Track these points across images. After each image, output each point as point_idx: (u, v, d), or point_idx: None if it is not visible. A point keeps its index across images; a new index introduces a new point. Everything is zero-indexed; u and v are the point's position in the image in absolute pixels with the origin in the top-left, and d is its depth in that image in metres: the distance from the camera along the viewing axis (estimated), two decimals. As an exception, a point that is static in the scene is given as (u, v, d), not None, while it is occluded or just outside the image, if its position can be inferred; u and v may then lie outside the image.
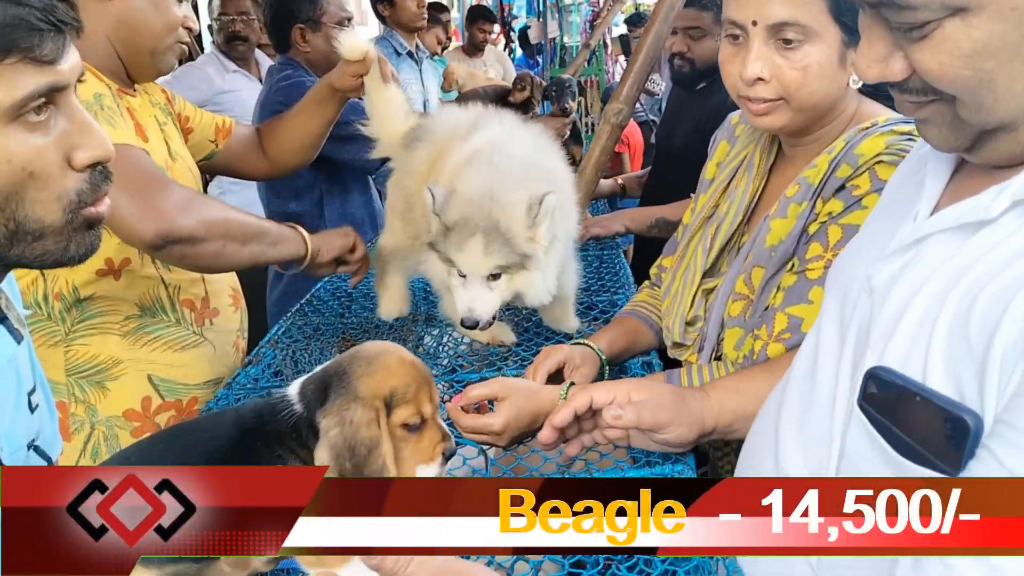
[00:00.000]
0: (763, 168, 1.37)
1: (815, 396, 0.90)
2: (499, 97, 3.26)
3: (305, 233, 1.68)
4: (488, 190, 1.39)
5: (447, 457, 0.90)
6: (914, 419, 0.71)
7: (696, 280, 1.38)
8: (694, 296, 1.37)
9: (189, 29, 1.68)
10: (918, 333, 0.73)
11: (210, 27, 4.18)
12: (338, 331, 1.84)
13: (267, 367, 1.64)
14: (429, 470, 0.89)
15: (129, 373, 1.60)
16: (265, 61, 3.77)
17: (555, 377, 1.37)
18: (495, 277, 1.41)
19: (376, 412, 0.84)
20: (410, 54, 3.71)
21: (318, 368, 0.91)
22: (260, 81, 3.64)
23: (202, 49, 5.04)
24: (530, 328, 1.76)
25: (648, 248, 2.48)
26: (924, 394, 0.70)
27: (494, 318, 1.46)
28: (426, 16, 3.72)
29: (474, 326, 1.43)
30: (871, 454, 0.77)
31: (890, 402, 0.74)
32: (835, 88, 1.23)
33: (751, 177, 1.38)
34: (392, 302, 1.87)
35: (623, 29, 8.73)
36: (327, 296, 2.09)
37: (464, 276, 1.41)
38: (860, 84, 1.23)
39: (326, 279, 2.15)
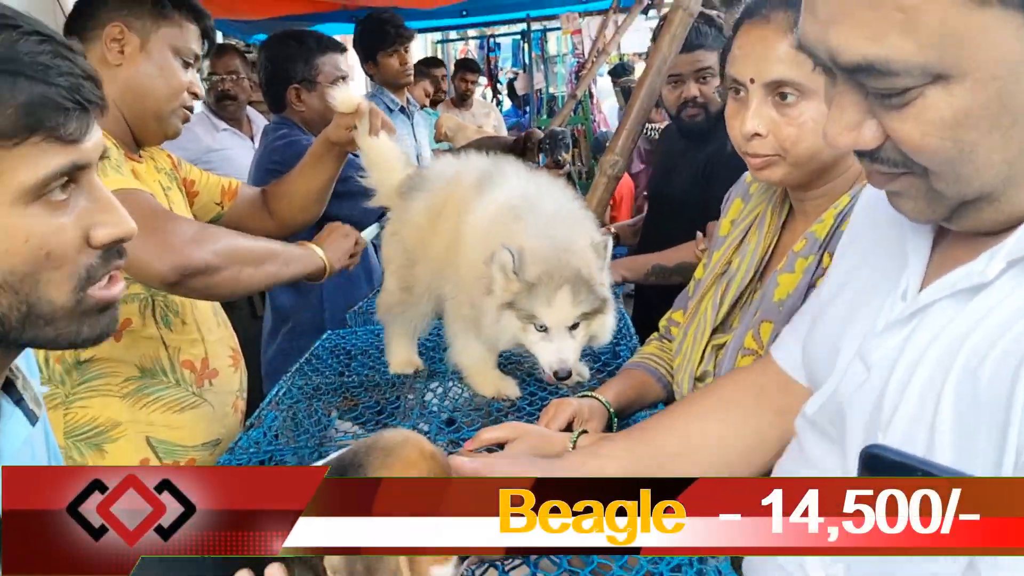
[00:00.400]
0: (775, 225, 1.38)
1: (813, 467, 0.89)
2: (498, 149, 3.30)
3: (316, 247, 1.73)
4: (560, 242, 1.42)
5: (462, 558, 0.83)
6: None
7: (706, 336, 1.37)
8: (703, 352, 1.37)
9: (195, 95, 1.72)
10: (922, 406, 0.72)
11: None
12: (339, 390, 1.81)
13: (268, 429, 1.61)
14: (444, 571, 0.81)
15: (128, 435, 1.59)
16: (257, 118, 3.81)
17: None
18: (575, 326, 1.44)
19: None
20: (402, 109, 3.75)
21: (333, 455, 0.87)
22: (252, 139, 3.67)
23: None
24: (531, 382, 1.74)
25: (648, 296, 2.48)
26: (927, 468, 0.68)
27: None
28: (411, 72, 3.76)
29: (568, 376, 1.44)
30: None
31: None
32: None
33: (762, 233, 1.38)
34: (399, 356, 1.85)
35: (607, 80, 8.91)
36: (325, 355, 2.06)
37: (545, 330, 1.43)
38: None
39: (324, 337, 2.13)
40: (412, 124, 3.83)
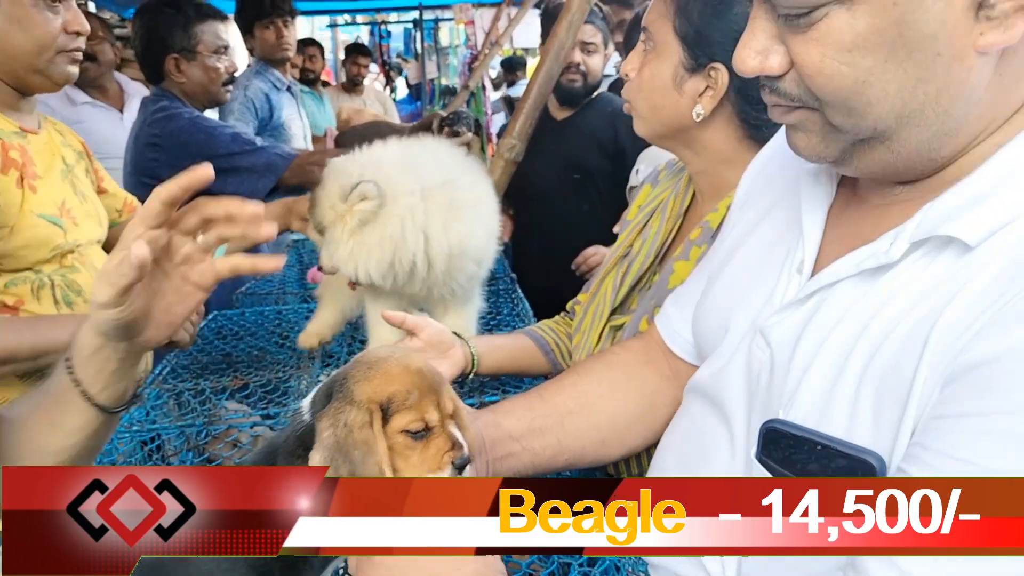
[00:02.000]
0: (676, 211, 1.40)
1: (710, 449, 0.89)
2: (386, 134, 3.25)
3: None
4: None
5: (458, 467, 0.85)
6: (815, 468, 0.72)
7: (605, 316, 1.39)
8: (601, 332, 1.38)
9: (76, 32, 1.60)
10: (825, 383, 0.73)
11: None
12: (227, 370, 1.74)
13: (151, 408, 1.53)
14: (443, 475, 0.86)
15: None
16: (131, 87, 3.59)
17: None
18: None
19: (370, 415, 0.82)
20: (288, 88, 3.65)
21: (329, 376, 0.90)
22: (121, 111, 3.46)
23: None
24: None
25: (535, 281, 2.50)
26: (825, 441, 0.71)
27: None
28: (289, 48, 3.66)
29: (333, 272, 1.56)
30: None
31: (789, 454, 0.74)
32: (669, 106, 1.26)
33: (664, 218, 1.41)
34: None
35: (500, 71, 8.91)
36: (211, 335, 1.98)
37: None
38: (701, 118, 1.25)
39: (210, 317, 2.05)
40: (298, 103, 3.74)
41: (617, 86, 3.03)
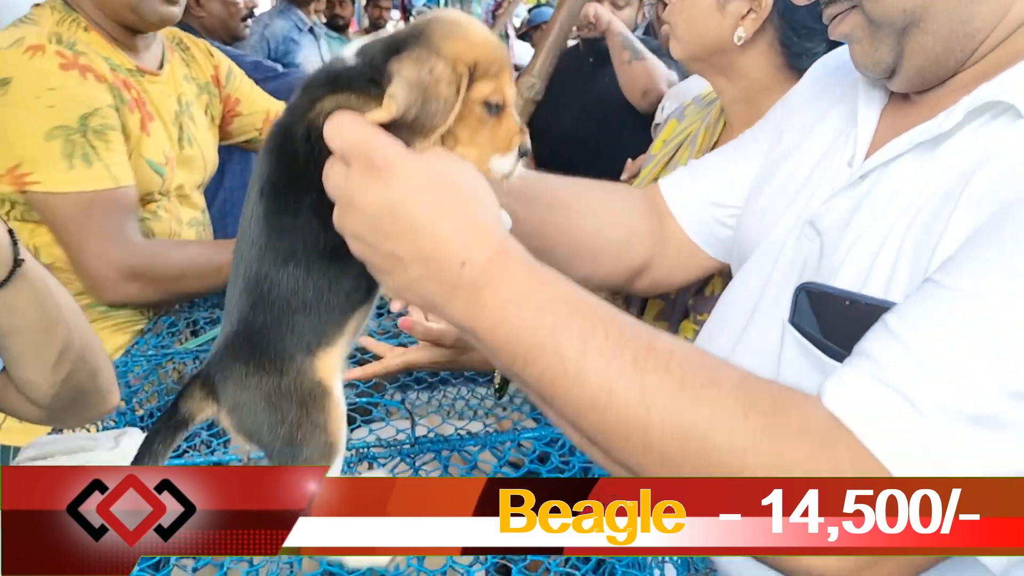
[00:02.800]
0: (706, 143, 1.39)
1: (747, 336, 0.90)
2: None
3: None
4: None
5: (522, 153, 0.76)
6: (844, 325, 0.72)
7: None
8: None
9: None
10: (870, 252, 0.74)
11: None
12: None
13: (168, 335, 1.54)
14: (504, 162, 0.75)
15: None
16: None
17: None
18: None
19: (459, 77, 0.70)
20: (311, 29, 3.62)
21: (383, 34, 0.75)
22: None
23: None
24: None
25: None
26: (852, 297, 0.72)
27: None
28: None
29: None
30: (808, 369, 0.77)
31: (819, 313, 0.75)
32: (710, 27, 1.25)
33: (693, 150, 1.39)
34: None
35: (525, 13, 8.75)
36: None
37: None
38: (742, 41, 1.24)
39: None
40: (319, 46, 3.71)
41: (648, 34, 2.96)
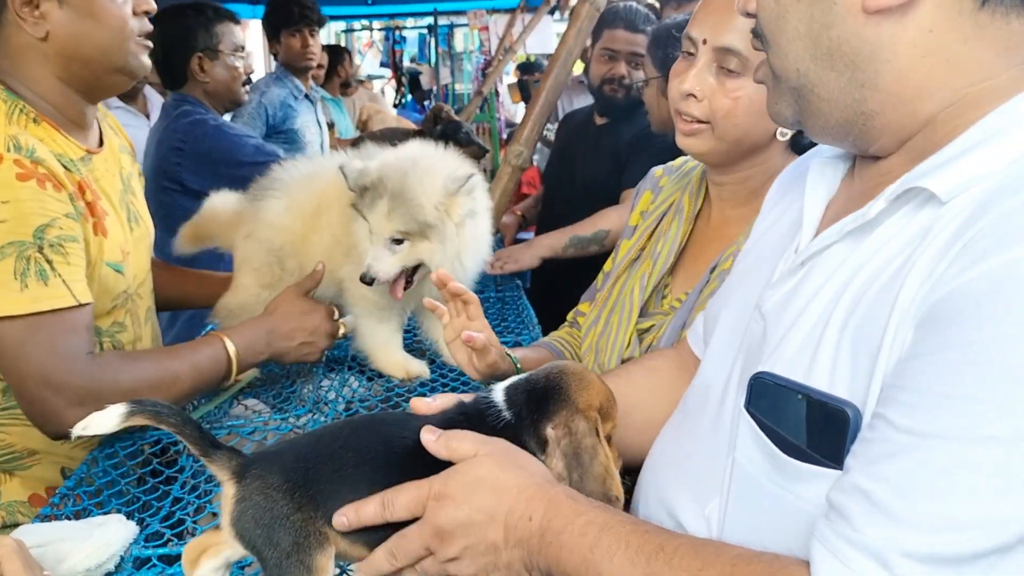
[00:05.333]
0: (691, 213, 1.41)
1: (706, 417, 0.93)
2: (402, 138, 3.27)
3: (227, 340, 1.48)
4: (401, 164, 1.46)
5: (621, 473, 0.95)
6: (796, 417, 0.75)
7: (633, 319, 1.39)
8: (630, 336, 1.38)
9: (145, 12, 1.45)
10: (808, 339, 0.76)
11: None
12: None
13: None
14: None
15: (42, 464, 1.45)
16: (153, 96, 3.64)
17: None
18: (399, 242, 1.48)
19: (595, 423, 0.90)
20: (307, 96, 3.69)
21: (519, 377, 0.97)
22: (148, 118, 3.51)
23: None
24: (434, 372, 1.72)
25: (543, 279, 2.48)
26: (804, 391, 0.74)
27: (394, 280, 1.52)
28: (313, 57, 3.70)
29: (371, 282, 1.48)
30: (760, 458, 0.79)
31: (773, 404, 0.78)
32: (761, 129, 1.26)
33: (681, 220, 1.41)
34: None
35: (513, 78, 8.89)
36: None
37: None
38: (788, 137, 1.26)
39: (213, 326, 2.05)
40: (316, 111, 3.77)
41: None
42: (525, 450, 0.90)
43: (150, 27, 1.48)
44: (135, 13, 1.43)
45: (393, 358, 1.67)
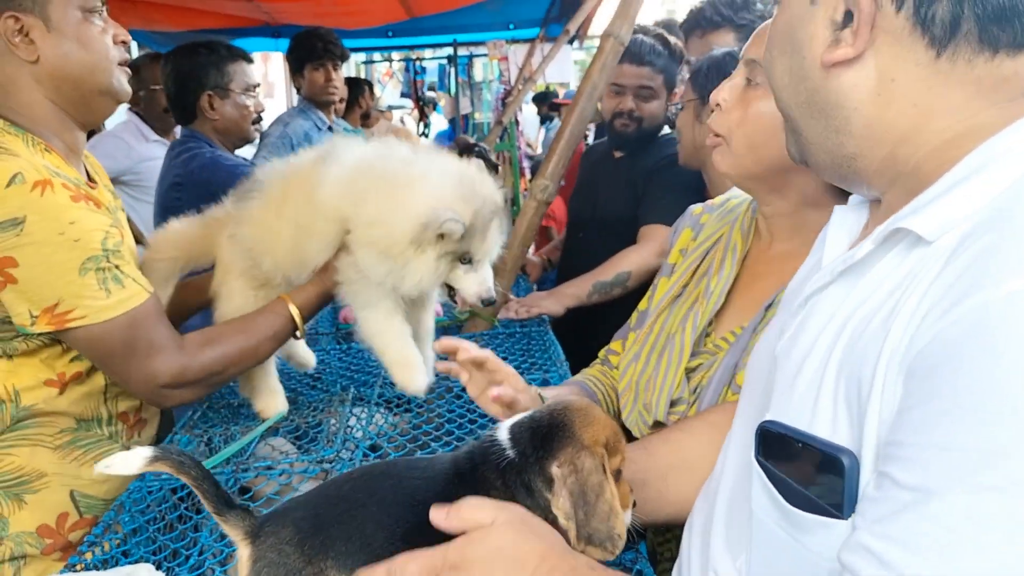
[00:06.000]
0: (742, 252, 1.38)
1: (729, 468, 0.93)
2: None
3: (289, 304, 1.59)
4: (469, 180, 1.46)
5: (634, 506, 0.95)
6: (799, 467, 0.74)
7: (684, 358, 1.35)
8: (680, 376, 1.35)
9: (124, 43, 1.55)
10: (810, 385, 0.76)
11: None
12: (257, 414, 1.73)
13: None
14: (627, 516, 0.92)
15: (51, 487, 1.47)
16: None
17: None
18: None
19: (601, 459, 0.88)
20: (330, 128, 3.71)
21: (524, 415, 0.95)
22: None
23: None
24: (452, 403, 1.70)
25: (565, 319, 2.48)
26: (803, 439, 0.73)
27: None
28: (336, 90, 3.73)
29: (493, 301, 1.51)
30: (771, 509, 0.78)
31: (779, 454, 0.77)
32: (774, 146, 1.19)
33: (735, 257, 1.38)
34: (271, 396, 1.74)
35: (534, 108, 8.93)
36: (244, 376, 1.98)
37: (470, 262, 1.48)
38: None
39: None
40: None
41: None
42: (531, 489, 0.88)
43: (127, 55, 1.57)
44: (114, 42, 1.53)
45: (404, 354, 1.56)
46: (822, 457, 0.71)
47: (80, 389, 1.50)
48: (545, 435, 0.90)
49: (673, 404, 1.35)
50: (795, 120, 0.86)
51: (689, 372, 1.35)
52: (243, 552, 0.86)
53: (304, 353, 1.91)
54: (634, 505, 0.94)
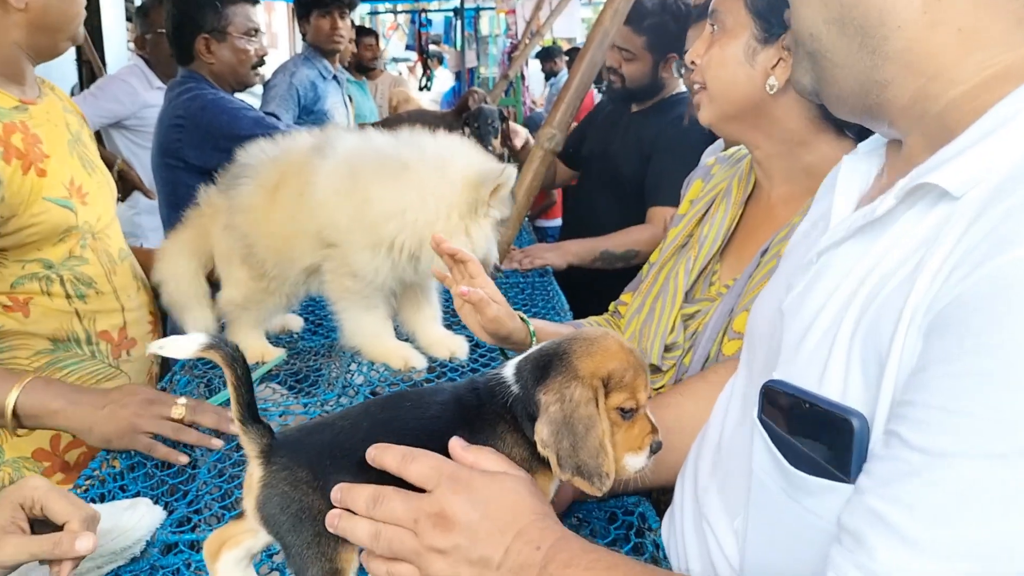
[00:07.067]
0: (740, 197, 1.38)
1: (743, 427, 0.89)
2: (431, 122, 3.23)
3: (17, 388, 1.30)
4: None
5: (654, 451, 0.90)
6: (805, 427, 0.71)
7: (677, 303, 1.36)
8: (674, 321, 1.34)
9: None
10: (820, 344, 0.73)
11: (136, 40, 3.98)
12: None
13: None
14: (637, 460, 0.89)
15: None
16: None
17: None
18: None
19: (595, 392, 0.85)
20: (335, 77, 3.65)
21: (533, 349, 0.92)
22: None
23: (103, 60, 4.83)
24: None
25: (567, 273, 2.47)
26: (811, 400, 0.70)
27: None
28: (341, 39, 3.66)
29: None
30: (773, 470, 0.76)
31: (784, 413, 0.74)
32: (741, 81, 1.25)
33: (729, 204, 1.38)
34: (254, 347, 1.71)
35: (539, 64, 8.80)
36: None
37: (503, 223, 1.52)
38: (775, 89, 1.23)
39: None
40: (343, 92, 3.74)
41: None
42: (531, 420, 0.85)
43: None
44: None
45: (388, 346, 1.63)
46: (830, 418, 0.68)
47: (42, 307, 1.49)
48: (545, 364, 0.87)
49: (668, 349, 1.34)
50: (819, 40, 0.79)
51: (687, 319, 1.34)
52: (255, 471, 0.85)
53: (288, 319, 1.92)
54: (656, 449, 0.90)
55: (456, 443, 0.84)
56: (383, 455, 0.82)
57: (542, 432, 0.83)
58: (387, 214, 1.44)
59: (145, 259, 1.81)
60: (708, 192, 1.47)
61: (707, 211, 1.44)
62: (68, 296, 1.53)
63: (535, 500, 0.81)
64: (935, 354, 0.60)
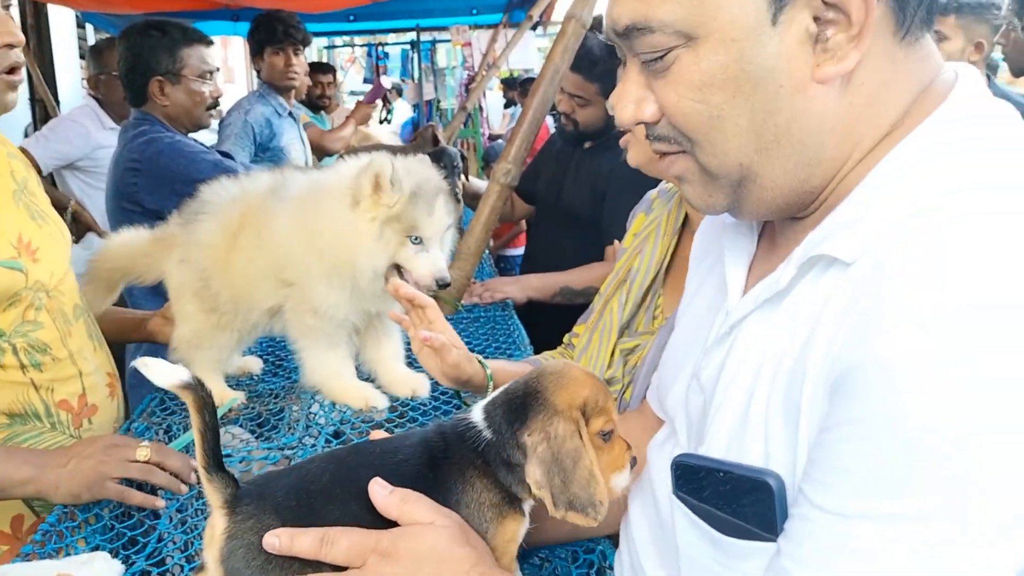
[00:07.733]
0: (670, 228, 1.41)
1: (655, 496, 0.90)
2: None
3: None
4: (414, 164, 1.48)
5: (632, 465, 0.91)
6: (725, 495, 0.73)
7: (613, 337, 1.38)
8: (612, 353, 1.36)
9: (10, 46, 1.40)
10: (738, 414, 0.74)
11: (89, 80, 3.95)
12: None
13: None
14: (621, 479, 0.89)
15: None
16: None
17: None
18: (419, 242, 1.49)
19: (576, 423, 0.85)
20: (290, 114, 3.66)
21: (498, 392, 0.92)
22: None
23: (56, 98, 4.79)
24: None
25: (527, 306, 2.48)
26: (726, 468, 0.72)
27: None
28: (295, 75, 3.66)
29: (447, 284, 1.49)
30: (699, 541, 0.77)
31: (701, 486, 0.75)
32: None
33: (659, 235, 1.41)
34: (215, 392, 1.66)
35: (498, 94, 8.89)
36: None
37: (420, 242, 1.46)
38: None
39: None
40: (299, 128, 3.74)
41: None
42: (511, 464, 0.85)
43: (16, 59, 1.42)
44: (3, 45, 1.38)
45: (348, 385, 1.63)
46: (750, 483, 0.70)
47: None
48: (519, 406, 0.87)
49: (608, 383, 1.36)
50: (749, 169, 0.74)
51: (628, 353, 1.37)
52: (218, 522, 0.83)
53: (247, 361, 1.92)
54: (634, 463, 0.91)
55: (377, 489, 0.84)
56: (297, 540, 0.81)
57: (535, 474, 0.83)
58: (333, 236, 1.47)
59: (135, 325, 1.79)
60: (648, 225, 1.50)
61: (644, 244, 1.47)
62: (23, 366, 1.42)
63: (465, 550, 0.81)
64: (832, 417, 0.62)
